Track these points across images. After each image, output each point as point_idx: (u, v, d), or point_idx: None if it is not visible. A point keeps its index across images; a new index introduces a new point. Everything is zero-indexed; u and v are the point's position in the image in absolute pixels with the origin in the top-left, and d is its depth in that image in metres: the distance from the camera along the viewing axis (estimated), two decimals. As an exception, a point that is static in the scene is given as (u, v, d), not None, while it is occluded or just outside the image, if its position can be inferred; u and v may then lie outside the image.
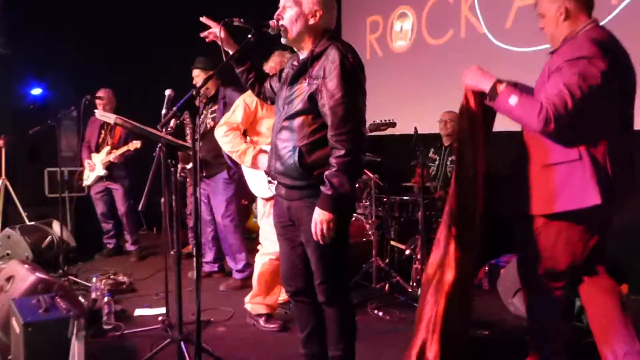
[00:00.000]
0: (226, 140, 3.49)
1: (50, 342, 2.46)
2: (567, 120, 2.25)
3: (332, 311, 2.40)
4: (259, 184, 3.47)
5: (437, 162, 5.00)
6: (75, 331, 2.32)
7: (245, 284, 4.43)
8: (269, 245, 3.50)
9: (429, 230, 4.15)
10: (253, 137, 3.60)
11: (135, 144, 5.10)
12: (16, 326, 2.58)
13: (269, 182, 3.09)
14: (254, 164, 3.42)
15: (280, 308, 3.75)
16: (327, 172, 2.18)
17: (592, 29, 2.42)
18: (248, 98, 3.55)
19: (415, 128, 4.00)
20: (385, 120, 4.13)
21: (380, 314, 3.76)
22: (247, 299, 3.65)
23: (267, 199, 3.47)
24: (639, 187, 2.48)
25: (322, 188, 2.19)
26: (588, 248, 2.49)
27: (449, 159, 4.86)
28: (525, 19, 4.61)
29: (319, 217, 2.18)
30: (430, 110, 5.13)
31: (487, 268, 4.37)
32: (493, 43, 4.89)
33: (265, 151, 3.42)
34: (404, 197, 4.66)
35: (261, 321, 3.55)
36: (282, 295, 3.70)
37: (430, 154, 5.07)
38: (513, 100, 2.38)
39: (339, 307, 2.39)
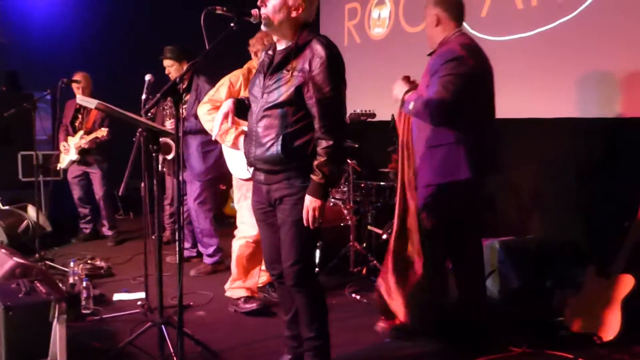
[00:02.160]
0: (208, 119, 3.47)
1: (31, 326, 2.46)
2: (446, 110, 2.82)
3: (302, 294, 2.46)
4: (238, 165, 3.47)
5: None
6: (56, 315, 2.34)
7: (216, 269, 4.48)
8: (246, 228, 3.54)
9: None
10: (235, 117, 3.57)
11: (102, 132, 5.04)
12: (-4, 310, 2.58)
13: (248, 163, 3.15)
14: (235, 145, 3.41)
15: (260, 292, 3.80)
16: (316, 162, 2.29)
17: (460, 36, 2.99)
18: (233, 77, 3.55)
19: (393, 115, 4.05)
20: (365, 111, 4.24)
21: (358, 297, 3.84)
22: (226, 285, 3.69)
23: (245, 180, 3.48)
24: (498, 167, 3.21)
25: (313, 177, 2.30)
26: (457, 213, 3.05)
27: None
28: (500, 8, 4.68)
29: (311, 204, 2.30)
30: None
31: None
32: (469, 32, 4.94)
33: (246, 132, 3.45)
34: (381, 183, 4.73)
35: (240, 303, 3.59)
36: (262, 278, 3.76)
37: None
38: (410, 105, 2.93)
39: (309, 289, 2.46)
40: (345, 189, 4.64)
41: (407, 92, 3.02)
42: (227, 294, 3.67)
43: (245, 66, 3.62)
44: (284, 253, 2.44)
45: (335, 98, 2.31)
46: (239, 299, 3.60)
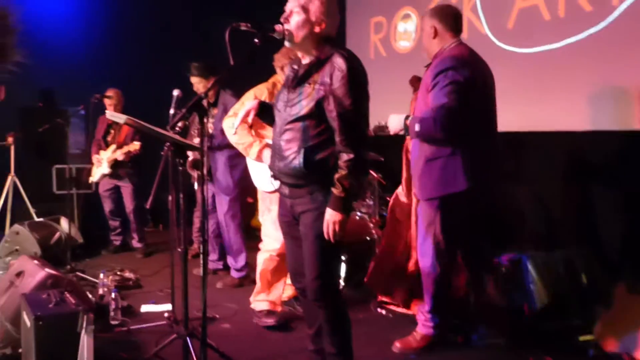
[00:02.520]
0: (233, 132, 3.46)
1: (60, 335, 2.52)
2: (455, 121, 2.83)
3: (325, 309, 2.46)
4: (263, 178, 3.48)
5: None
6: (84, 325, 2.39)
7: (243, 282, 4.51)
8: (270, 242, 3.56)
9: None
10: (259, 130, 3.59)
11: (135, 146, 5.15)
12: (27, 320, 2.65)
13: (273, 176, 3.19)
14: (259, 158, 3.43)
15: (285, 305, 3.82)
16: (337, 175, 2.29)
17: (455, 47, 3.00)
18: (258, 91, 3.57)
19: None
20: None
21: (383, 312, 3.82)
22: (252, 297, 3.72)
23: (270, 192, 3.48)
24: (498, 177, 3.24)
25: (334, 190, 2.29)
26: (458, 225, 3.11)
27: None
28: (527, 19, 4.64)
29: (332, 218, 2.30)
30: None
31: (488, 267, 4.42)
32: (495, 44, 4.92)
33: (270, 145, 3.48)
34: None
35: (262, 316, 3.61)
36: (287, 292, 3.77)
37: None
38: (417, 127, 2.94)
39: (331, 304, 2.45)
40: (371, 202, 4.63)
41: (406, 117, 3.07)
42: (252, 305, 3.69)
43: (271, 80, 3.65)
44: (306, 267, 2.44)
45: (356, 111, 2.30)
46: (261, 311, 3.62)
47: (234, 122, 3.38)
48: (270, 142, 3.44)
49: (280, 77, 3.56)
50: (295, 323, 3.57)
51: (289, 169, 2.39)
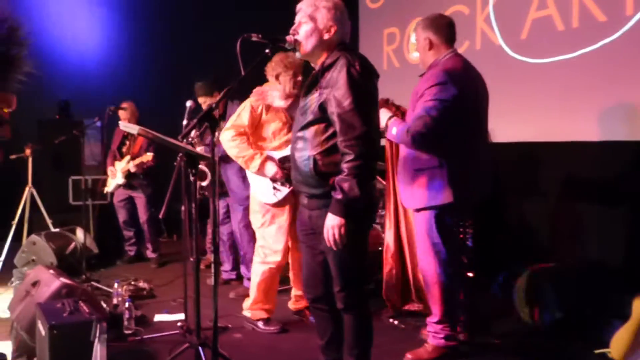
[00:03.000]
0: (232, 145, 3.50)
1: (74, 344, 2.56)
2: (428, 135, 2.88)
3: (349, 317, 2.45)
4: (264, 190, 3.51)
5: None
6: (98, 334, 2.41)
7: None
8: (271, 254, 3.57)
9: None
10: (258, 142, 3.61)
11: (147, 157, 5.22)
12: (42, 329, 2.69)
13: (274, 188, 3.18)
14: (261, 171, 3.45)
15: (295, 315, 3.85)
16: (337, 177, 2.25)
17: (450, 59, 3.03)
18: (255, 102, 3.53)
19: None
20: None
21: (395, 322, 3.80)
22: (245, 305, 3.76)
23: (272, 205, 3.52)
24: (490, 188, 3.26)
25: (333, 193, 2.26)
26: (454, 233, 3.21)
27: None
28: (540, 30, 4.63)
29: (330, 222, 2.26)
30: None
31: (501, 278, 4.38)
32: (508, 54, 4.92)
33: (272, 158, 3.48)
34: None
35: (260, 324, 3.66)
36: (295, 305, 3.82)
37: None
38: (394, 130, 3.03)
39: (356, 313, 2.45)
40: (382, 212, 4.62)
41: (390, 117, 3.11)
42: (245, 313, 3.73)
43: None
44: (333, 278, 2.43)
45: (356, 112, 2.22)
46: (257, 320, 3.67)
47: (233, 137, 3.44)
48: (270, 153, 3.48)
49: (273, 86, 3.48)
50: (304, 333, 3.56)
51: (302, 178, 2.40)
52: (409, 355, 3.18)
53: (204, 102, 4.65)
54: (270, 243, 3.56)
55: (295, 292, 3.87)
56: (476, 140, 3.12)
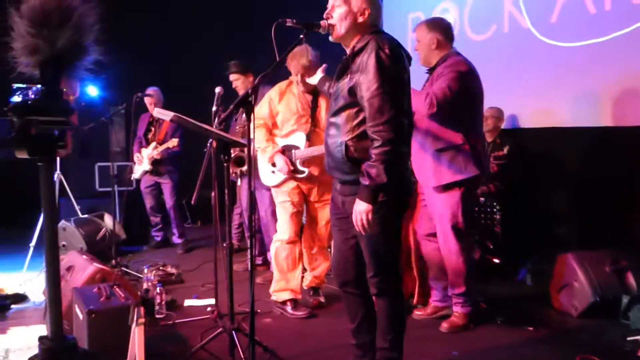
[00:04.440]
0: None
1: (112, 328, 2.60)
2: (444, 106, 3.15)
3: (382, 303, 2.46)
4: (264, 173, 3.77)
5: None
6: (135, 319, 2.45)
7: None
8: (280, 231, 3.75)
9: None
10: (273, 130, 3.80)
11: (173, 142, 5.25)
12: (79, 313, 2.74)
13: (272, 172, 3.59)
14: (271, 160, 3.67)
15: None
16: (365, 163, 2.23)
17: (456, 54, 3.37)
18: (273, 92, 3.76)
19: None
20: None
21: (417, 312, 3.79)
22: (271, 289, 3.83)
23: (273, 186, 3.76)
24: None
25: (361, 179, 2.24)
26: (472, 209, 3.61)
27: (492, 154, 4.85)
28: (570, 13, 4.54)
29: (358, 208, 2.25)
30: (473, 106, 5.11)
31: (529, 265, 4.36)
32: (537, 38, 4.83)
33: (283, 152, 3.67)
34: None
35: (288, 308, 3.70)
36: (306, 282, 3.92)
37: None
38: None
39: (389, 298, 2.45)
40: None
41: None
42: (273, 297, 3.79)
43: (288, 80, 3.79)
44: (366, 264, 2.44)
45: (384, 96, 2.19)
46: (284, 302, 3.72)
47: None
48: (283, 143, 3.71)
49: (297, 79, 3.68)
50: (334, 318, 3.57)
51: (335, 163, 2.39)
52: (444, 324, 3.40)
53: (237, 79, 4.70)
54: (280, 222, 3.78)
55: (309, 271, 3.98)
56: (481, 126, 3.61)
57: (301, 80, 3.62)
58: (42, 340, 1.57)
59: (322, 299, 3.89)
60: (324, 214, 3.74)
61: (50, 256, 1.47)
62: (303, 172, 3.64)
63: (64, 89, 1.37)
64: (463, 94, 3.22)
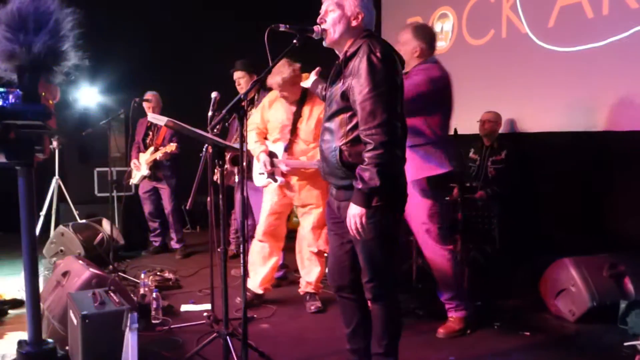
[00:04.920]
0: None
1: (106, 333, 2.59)
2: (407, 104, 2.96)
3: (377, 308, 2.45)
4: (255, 173, 3.94)
5: (477, 162, 4.99)
6: (129, 324, 2.44)
7: (280, 283, 4.56)
8: (259, 229, 3.93)
9: (469, 230, 4.16)
10: (267, 135, 3.93)
11: (171, 147, 5.25)
12: (74, 318, 2.73)
13: (260, 174, 3.71)
14: (257, 158, 3.81)
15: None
16: (358, 167, 2.23)
17: (434, 62, 3.40)
18: (266, 99, 3.92)
19: (455, 129, 4.00)
20: None
21: (421, 312, 3.78)
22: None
23: (263, 186, 3.91)
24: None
25: (354, 183, 2.24)
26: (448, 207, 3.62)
27: (490, 159, 4.85)
28: (568, 18, 4.55)
29: (352, 212, 2.25)
30: (471, 110, 5.11)
31: (528, 267, 4.34)
32: (535, 43, 4.84)
33: (267, 152, 3.78)
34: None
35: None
36: (301, 287, 4.05)
37: (471, 154, 5.06)
38: None
39: (384, 304, 2.44)
40: (407, 203, 4.60)
41: None
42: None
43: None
44: (362, 269, 2.43)
45: (375, 100, 2.18)
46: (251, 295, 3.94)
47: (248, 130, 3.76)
48: (271, 145, 3.82)
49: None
50: (331, 323, 3.56)
51: (330, 168, 2.39)
52: (441, 330, 3.38)
53: (242, 77, 4.74)
54: (261, 221, 3.97)
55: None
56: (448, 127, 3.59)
57: (281, 96, 3.73)
58: (20, 344, 1.56)
59: (318, 304, 3.88)
60: (309, 221, 3.84)
61: (29, 261, 1.47)
62: (277, 180, 3.77)
63: (43, 94, 1.37)
64: (431, 95, 3.26)
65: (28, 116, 1.34)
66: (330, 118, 2.38)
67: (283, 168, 3.72)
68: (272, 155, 3.79)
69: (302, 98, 3.74)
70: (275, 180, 3.78)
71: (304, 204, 3.84)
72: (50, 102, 1.50)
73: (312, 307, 3.86)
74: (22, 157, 1.38)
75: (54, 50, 1.35)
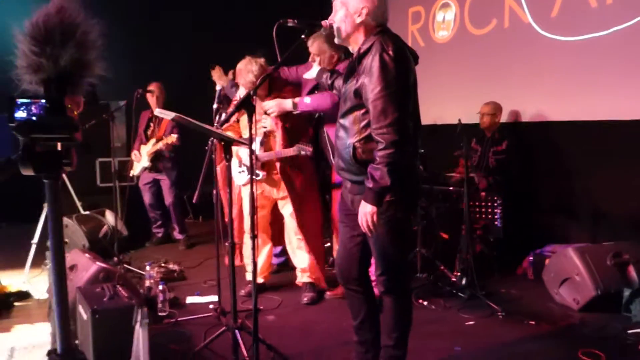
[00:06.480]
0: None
1: (116, 328, 2.60)
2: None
3: (389, 301, 2.48)
4: (235, 172, 3.93)
5: (479, 153, 4.99)
6: (139, 319, 2.45)
7: (281, 269, 4.63)
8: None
9: (473, 220, 4.18)
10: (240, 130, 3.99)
11: (172, 138, 5.23)
12: (83, 313, 2.74)
13: (239, 172, 3.72)
14: (237, 157, 3.88)
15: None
16: (370, 166, 2.25)
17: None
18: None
19: (459, 120, 4.01)
20: None
21: (425, 303, 3.81)
22: None
23: (243, 185, 3.94)
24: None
25: (365, 181, 2.26)
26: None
27: (491, 149, 4.85)
28: (571, 8, 4.53)
29: (363, 210, 2.27)
30: (473, 100, 5.11)
31: (531, 258, 4.37)
32: (538, 32, 4.82)
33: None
34: (449, 188, 4.67)
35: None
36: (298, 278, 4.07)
37: (473, 144, 5.06)
38: (307, 99, 3.60)
39: (396, 297, 2.47)
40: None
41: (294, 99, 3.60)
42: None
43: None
44: (375, 263, 2.48)
45: (387, 99, 2.19)
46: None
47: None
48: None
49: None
50: (338, 315, 3.58)
51: (345, 164, 2.41)
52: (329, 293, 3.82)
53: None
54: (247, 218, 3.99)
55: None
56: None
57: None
58: (50, 355, 1.57)
59: (313, 294, 3.90)
60: (288, 209, 3.87)
61: (56, 273, 1.47)
62: (258, 174, 3.78)
63: (69, 105, 1.37)
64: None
65: (54, 129, 1.35)
66: (344, 115, 2.39)
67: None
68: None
69: (269, 93, 3.78)
70: (257, 176, 3.78)
71: (284, 197, 3.87)
72: (75, 113, 1.50)
73: (305, 299, 3.88)
74: (50, 170, 1.38)
75: (81, 62, 1.35)
